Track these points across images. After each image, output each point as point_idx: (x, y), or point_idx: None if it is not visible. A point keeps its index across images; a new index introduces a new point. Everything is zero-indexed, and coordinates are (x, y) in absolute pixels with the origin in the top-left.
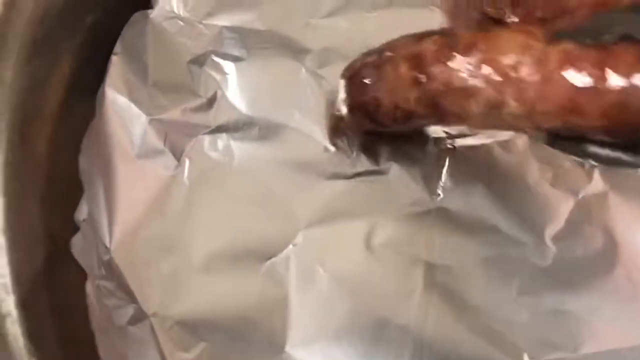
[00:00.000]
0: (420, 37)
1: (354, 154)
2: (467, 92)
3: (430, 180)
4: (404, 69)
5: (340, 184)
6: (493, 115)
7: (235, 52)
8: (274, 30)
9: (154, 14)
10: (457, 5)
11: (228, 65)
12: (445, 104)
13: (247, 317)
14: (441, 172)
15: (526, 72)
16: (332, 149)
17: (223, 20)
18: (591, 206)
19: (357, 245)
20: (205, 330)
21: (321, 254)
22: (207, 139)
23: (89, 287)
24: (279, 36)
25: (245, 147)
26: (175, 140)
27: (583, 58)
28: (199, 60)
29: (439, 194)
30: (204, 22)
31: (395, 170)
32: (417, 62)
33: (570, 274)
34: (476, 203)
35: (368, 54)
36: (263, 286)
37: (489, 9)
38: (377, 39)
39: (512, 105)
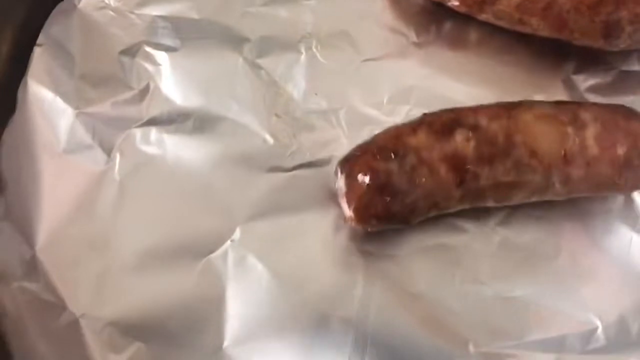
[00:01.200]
0: (443, 130)
1: (294, 145)
2: (515, 186)
3: None
4: (443, 171)
5: (280, 177)
6: (536, 197)
7: (169, 42)
8: (210, 19)
9: (82, 3)
10: None
11: (161, 56)
12: (491, 196)
13: (183, 316)
14: None
15: (570, 159)
16: (271, 141)
17: (156, 10)
18: None
19: (297, 239)
20: (138, 331)
21: (260, 249)
22: (139, 133)
23: (3, 291)
24: (216, 25)
25: (180, 140)
26: (105, 134)
27: (616, 141)
28: (131, 51)
29: None
30: (135, 11)
31: (335, 162)
32: (458, 163)
33: (514, 261)
34: None
35: (381, 155)
36: (199, 284)
37: None
38: (317, 27)
39: (557, 188)
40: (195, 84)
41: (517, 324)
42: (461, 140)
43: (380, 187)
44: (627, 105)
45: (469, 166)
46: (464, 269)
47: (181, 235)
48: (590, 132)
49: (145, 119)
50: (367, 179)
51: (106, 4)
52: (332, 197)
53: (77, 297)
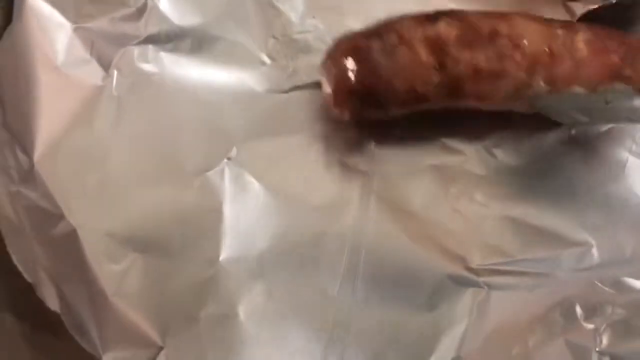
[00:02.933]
0: (428, 19)
1: (291, 67)
2: (496, 76)
3: None
4: (423, 53)
5: (277, 98)
6: (517, 96)
7: None
8: None
9: None
10: None
11: None
12: (470, 86)
13: (180, 229)
14: None
15: (557, 56)
16: (269, 62)
17: None
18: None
19: (294, 158)
20: (136, 242)
21: (257, 168)
22: (136, 50)
23: (1, 192)
24: None
25: (177, 60)
26: (103, 50)
27: (608, 47)
28: None
29: None
30: None
31: None
32: (438, 46)
33: (510, 181)
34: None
35: (365, 35)
36: (196, 199)
37: None
38: None
39: (542, 86)
40: (192, 4)
41: (512, 242)
42: (444, 26)
43: (361, 61)
44: None
45: (450, 49)
46: (459, 189)
47: (178, 152)
48: (581, 37)
49: (142, 37)
50: (348, 56)
51: None
52: (329, 118)
53: (75, 207)
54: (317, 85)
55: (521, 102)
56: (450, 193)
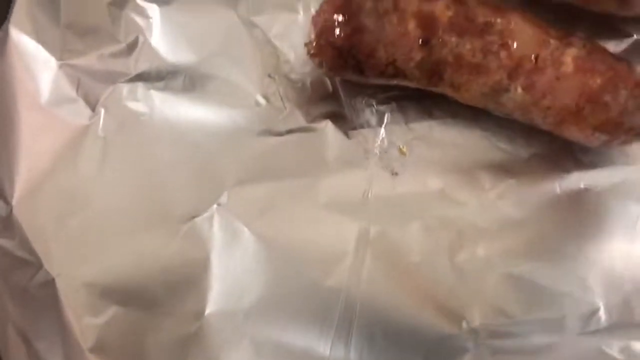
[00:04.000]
0: None
1: (287, 109)
2: (477, 70)
3: (368, 138)
4: (412, 26)
5: (272, 141)
6: (492, 96)
7: None
8: None
9: None
10: None
11: (152, 9)
12: (449, 74)
13: (165, 281)
14: (379, 131)
15: (541, 66)
16: (264, 102)
17: None
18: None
19: (287, 205)
20: (117, 294)
21: (248, 215)
22: (125, 88)
23: None
24: None
25: (168, 98)
26: (90, 88)
27: (595, 69)
28: (120, 3)
29: (376, 153)
30: None
31: (329, 128)
32: (429, 24)
33: (514, 237)
34: (419, 163)
35: None
36: (183, 248)
37: None
38: None
39: (519, 92)
40: (186, 40)
41: (514, 302)
42: (441, 5)
43: (349, 16)
44: None
45: (438, 30)
46: (460, 242)
47: (166, 196)
48: (572, 52)
49: (132, 74)
50: (339, 6)
51: None
52: (324, 163)
53: (54, 255)
54: (313, 128)
55: (494, 104)
56: (451, 246)
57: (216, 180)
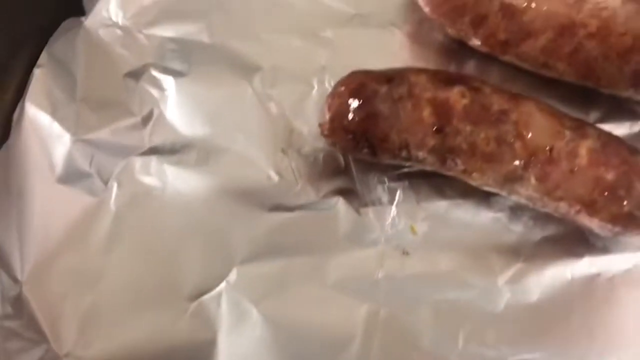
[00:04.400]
0: (445, 80)
1: (299, 184)
2: (491, 159)
3: (379, 216)
4: (426, 113)
5: (282, 217)
6: (505, 183)
7: (177, 67)
8: (222, 44)
9: (89, 21)
10: (419, 27)
11: (168, 81)
12: (462, 160)
13: None
14: (390, 209)
15: (555, 157)
16: (276, 178)
17: (166, 30)
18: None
19: (296, 284)
20: None
21: (256, 293)
22: (139, 162)
23: None
24: (227, 50)
25: (181, 172)
26: (103, 162)
27: (609, 162)
28: (136, 74)
29: (387, 231)
30: (144, 31)
31: (341, 204)
32: (443, 111)
33: (522, 322)
34: (430, 243)
35: (376, 77)
36: (190, 327)
37: (450, 31)
38: (332, 61)
39: (532, 183)
40: (201, 113)
41: None
42: (457, 93)
43: (363, 101)
44: None
45: (453, 118)
46: (469, 328)
47: (175, 272)
48: (587, 144)
49: (146, 147)
50: (353, 90)
51: (114, 22)
52: (334, 241)
53: (62, 334)
54: (325, 205)
55: (508, 191)
56: (460, 333)
57: (226, 256)
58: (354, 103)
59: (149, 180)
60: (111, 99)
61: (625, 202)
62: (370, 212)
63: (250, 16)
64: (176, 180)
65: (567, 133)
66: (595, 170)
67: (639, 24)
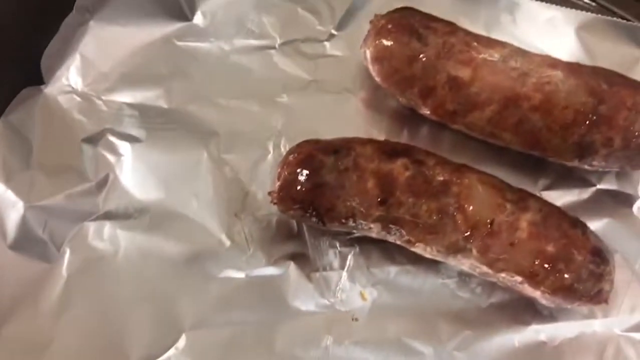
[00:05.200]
0: (390, 152)
1: (251, 249)
2: (433, 230)
3: (330, 281)
4: (371, 184)
5: (233, 282)
6: (448, 254)
7: (134, 132)
8: (180, 109)
9: (48, 88)
10: (373, 94)
11: (124, 146)
12: (407, 231)
13: None
14: (341, 274)
15: (496, 230)
16: (228, 243)
17: (124, 96)
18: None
19: (245, 351)
20: None
21: None
22: (92, 227)
23: None
24: (184, 116)
25: (133, 237)
26: (57, 228)
27: (549, 235)
28: (94, 140)
29: (338, 296)
30: (103, 97)
31: (292, 270)
32: (387, 183)
33: None
34: (379, 309)
35: (323, 147)
36: None
37: (401, 100)
38: (288, 126)
39: (474, 254)
40: (156, 178)
41: None
42: (400, 165)
43: (310, 172)
44: (601, 228)
45: (396, 190)
46: None
47: (124, 339)
48: (527, 217)
49: (100, 213)
50: (301, 161)
51: (73, 88)
52: (284, 307)
53: None
54: (276, 270)
55: (452, 260)
56: None
57: (175, 322)
58: (301, 173)
59: (101, 245)
60: (67, 164)
61: (565, 275)
62: (321, 277)
63: (208, 82)
64: (129, 245)
65: (508, 206)
66: (535, 243)
67: (580, 98)
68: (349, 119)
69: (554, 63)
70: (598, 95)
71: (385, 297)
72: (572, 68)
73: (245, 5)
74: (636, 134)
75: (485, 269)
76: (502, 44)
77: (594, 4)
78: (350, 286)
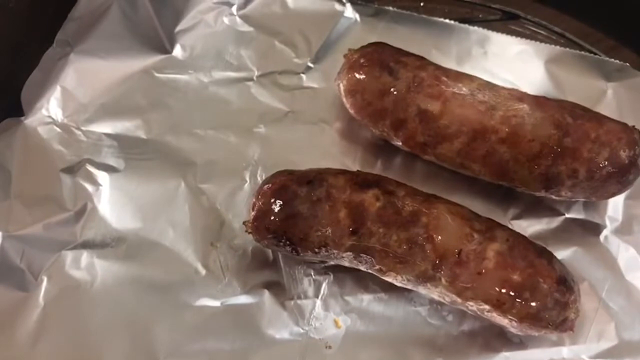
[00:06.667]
0: (362, 183)
1: (226, 278)
2: (403, 260)
3: (304, 309)
4: (343, 214)
5: (208, 311)
6: (418, 283)
7: (112, 162)
8: (158, 140)
9: (28, 120)
10: (348, 125)
11: (102, 176)
12: (378, 261)
13: None
14: (315, 302)
15: (464, 260)
16: (203, 271)
17: (104, 127)
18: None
19: None
20: None
21: None
22: (70, 256)
23: None
24: (163, 146)
25: (110, 266)
26: (34, 258)
27: (515, 265)
28: (72, 170)
29: (312, 324)
30: (82, 128)
31: (267, 298)
32: (358, 213)
33: None
34: (352, 337)
35: (297, 178)
36: None
37: (374, 131)
38: (264, 156)
39: (443, 283)
40: (133, 207)
41: None
42: (371, 196)
43: (284, 202)
44: (569, 256)
45: (367, 220)
46: None
47: None
48: (494, 247)
49: (78, 242)
50: (275, 192)
51: (53, 119)
52: (259, 336)
53: None
54: (251, 299)
55: (422, 289)
56: None
57: (150, 350)
58: (275, 203)
59: (78, 274)
60: (45, 194)
61: (531, 303)
62: (295, 306)
63: (187, 113)
64: (105, 274)
65: (476, 235)
66: (502, 273)
67: (546, 131)
68: (324, 149)
69: (521, 97)
70: (563, 128)
71: (358, 324)
72: (539, 101)
73: (224, 39)
74: (600, 165)
75: (454, 297)
76: (470, 78)
77: (562, 39)
78: (324, 314)
